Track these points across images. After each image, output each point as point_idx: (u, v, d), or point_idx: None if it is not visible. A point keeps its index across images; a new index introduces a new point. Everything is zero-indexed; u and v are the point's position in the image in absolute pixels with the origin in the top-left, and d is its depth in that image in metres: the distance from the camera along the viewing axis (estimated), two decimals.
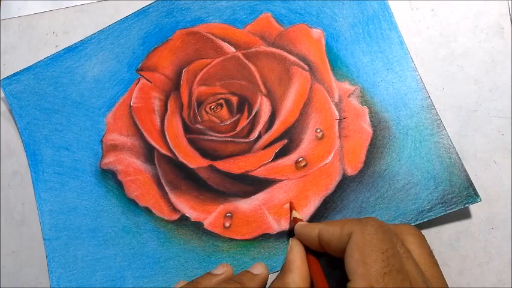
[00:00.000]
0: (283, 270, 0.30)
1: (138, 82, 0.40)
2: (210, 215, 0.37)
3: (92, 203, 0.39)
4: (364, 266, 0.24)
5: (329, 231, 0.28)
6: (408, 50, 0.37)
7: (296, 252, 0.30)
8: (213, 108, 0.38)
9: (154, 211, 0.38)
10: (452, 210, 0.34)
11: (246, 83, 0.38)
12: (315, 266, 0.30)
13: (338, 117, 0.37)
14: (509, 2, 0.37)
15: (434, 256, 0.28)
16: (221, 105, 0.38)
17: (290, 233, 0.36)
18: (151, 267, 0.37)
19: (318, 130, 0.37)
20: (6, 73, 0.42)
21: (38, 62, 0.41)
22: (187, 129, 0.39)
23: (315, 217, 0.35)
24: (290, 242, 0.32)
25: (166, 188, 0.38)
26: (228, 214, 0.37)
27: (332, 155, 0.36)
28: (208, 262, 0.36)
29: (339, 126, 0.37)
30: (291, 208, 0.36)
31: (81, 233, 0.38)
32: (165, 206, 0.38)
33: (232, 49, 0.39)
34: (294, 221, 0.34)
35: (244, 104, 0.38)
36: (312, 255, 0.30)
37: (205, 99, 0.39)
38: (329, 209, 0.35)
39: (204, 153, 0.38)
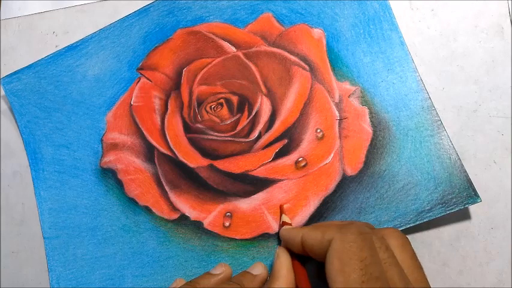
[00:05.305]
0: (270, 277, 0.31)
1: (138, 81, 0.40)
2: (210, 215, 0.37)
3: (92, 201, 0.39)
4: (342, 274, 0.25)
5: (311, 236, 0.28)
6: (409, 51, 0.37)
7: (282, 261, 0.31)
8: (214, 108, 0.38)
9: (154, 210, 0.38)
10: (452, 211, 0.34)
11: (246, 83, 0.38)
12: (300, 273, 0.31)
13: (338, 118, 0.37)
14: (509, 2, 0.37)
15: (417, 259, 0.28)
16: (221, 104, 0.38)
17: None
18: (151, 266, 0.37)
19: (318, 130, 0.37)
20: (6, 73, 0.42)
21: (39, 60, 0.41)
22: (187, 128, 0.39)
23: (315, 217, 0.35)
24: (277, 249, 0.32)
25: (166, 187, 0.38)
26: (228, 214, 0.37)
27: (332, 155, 0.36)
28: (207, 261, 0.36)
29: (339, 126, 0.37)
30: (281, 212, 0.35)
31: (80, 232, 0.38)
32: (165, 205, 0.38)
33: (233, 49, 0.39)
34: (283, 224, 0.34)
35: (245, 103, 0.38)
36: (298, 261, 0.31)
37: (206, 98, 0.39)
38: (329, 209, 0.35)
39: (204, 152, 0.38)
